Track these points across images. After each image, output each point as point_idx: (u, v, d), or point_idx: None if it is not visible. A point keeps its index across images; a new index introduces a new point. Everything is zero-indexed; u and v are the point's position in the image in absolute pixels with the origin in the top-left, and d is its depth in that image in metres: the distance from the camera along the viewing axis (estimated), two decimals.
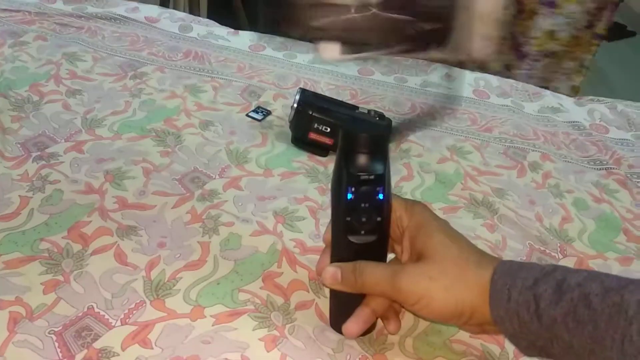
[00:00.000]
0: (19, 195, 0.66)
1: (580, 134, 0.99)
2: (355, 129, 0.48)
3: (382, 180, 0.47)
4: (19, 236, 0.60)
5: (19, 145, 0.74)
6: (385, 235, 0.49)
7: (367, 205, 0.46)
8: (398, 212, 0.50)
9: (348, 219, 0.46)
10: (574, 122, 1.02)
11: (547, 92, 1.11)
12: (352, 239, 0.47)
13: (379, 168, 0.47)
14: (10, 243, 0.59)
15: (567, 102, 1.09)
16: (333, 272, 0.48)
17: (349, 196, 0.46)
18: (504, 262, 0.46)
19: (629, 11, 3.17)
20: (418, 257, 0.47)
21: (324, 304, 0.59)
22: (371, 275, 0.46)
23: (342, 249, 0.49)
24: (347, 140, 0.48)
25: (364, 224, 0.46)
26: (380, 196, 0.46)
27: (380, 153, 0.48)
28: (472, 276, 0.44)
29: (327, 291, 0.60)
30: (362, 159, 0.46)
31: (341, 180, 0.47)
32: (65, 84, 0.89)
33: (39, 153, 0.73)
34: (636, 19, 3.23)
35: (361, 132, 0.47)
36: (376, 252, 0.49)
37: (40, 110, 0.82)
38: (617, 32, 3.01)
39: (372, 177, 0.46)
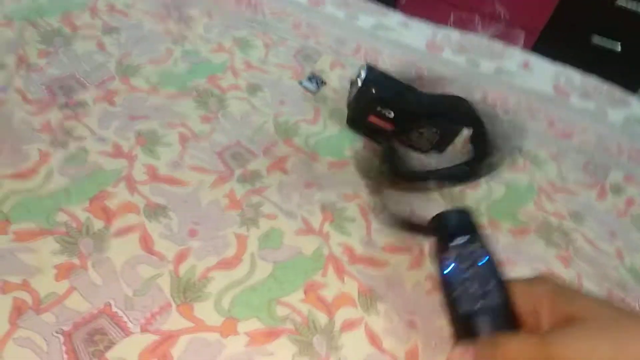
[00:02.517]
0: (39, 149, 0.57)
1: None
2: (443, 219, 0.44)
3: (477, 238, 0.39)
4: (35, 202, 0.52)
5: (44, 87, 0.65)
6: (506, 300, 0.40)
7: (469, 269, 0.38)
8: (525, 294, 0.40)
9: (455, 293, 0.38)
10: None
11: (634, 99, 0.98)
12: (469, 313, 0.39)
13: (469, 231, 0.42)
14: (22, 209, 0.51)
15: None
16: (462, 352, 0.41)
17: (448, 269, 0.39)
18: None
19: None
20: (565, 321, 0.38)
21: (375, 323, 0.51)
22: (513, 345, 0.37)
23: (462, 329, 0.40)
24: (436, 229, 0.44)
25: (473, 294, 0.38)
26: (482, 260, 0.38)
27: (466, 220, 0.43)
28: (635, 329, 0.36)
29: (379, 308, 0.52)
30: (450, 229, 0.42)
31: (436, 256, 0.42)
32: (101, 17, 0.79)
33: (65, 100, 0.64)
34: None
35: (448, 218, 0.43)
36: (502, 320, 0.40)
37: (71, 47, 0.72)
38: None
39: (464, 240, 0.38)
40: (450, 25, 1.16)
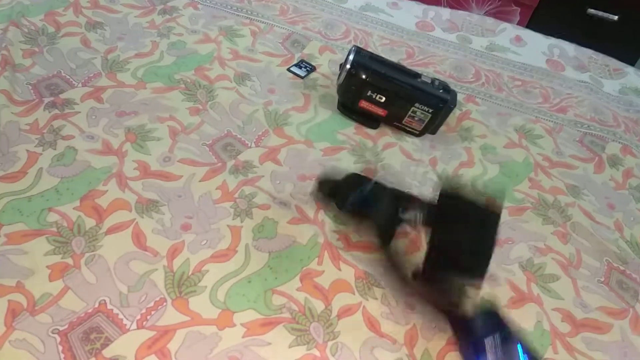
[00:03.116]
0: (27, 150, 0.57)
1: None
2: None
3: (508, 334, 0.40)
4: (25, 203, 0.52)
5: (30, 87, 0.64)
6: None
7: None
8: None
9: None
10: None
11: (630, 68, 0.97)
12: None
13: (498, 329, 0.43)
14: (14, 211, 0.51)
15: None
16: None
17: None
18: None
19: None
20: None
21: (373, 308, 0.51)
22: None
23: None
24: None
25: None
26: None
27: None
28: None
29: (376, 292, 0.52)
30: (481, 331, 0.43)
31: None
32: (85, 14, 0.78)
33: (52, 99, 0.63)
34: None
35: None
36: None
37: (55, 45, 0.71)
38: None
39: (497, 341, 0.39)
40: (444, 5, 1.14)
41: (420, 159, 0.68)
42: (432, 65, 0.86)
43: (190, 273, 0.50)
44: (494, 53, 0.92)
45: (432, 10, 1.00)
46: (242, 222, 0.56)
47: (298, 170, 0.62)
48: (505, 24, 1.01)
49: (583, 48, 0.98)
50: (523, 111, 0.81)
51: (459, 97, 0.80)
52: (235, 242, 0.54)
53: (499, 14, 1.35)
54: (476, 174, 0.69)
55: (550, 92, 0.87)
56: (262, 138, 0.66)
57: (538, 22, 1.34)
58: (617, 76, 0.94)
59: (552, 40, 0.99)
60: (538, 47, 0.96)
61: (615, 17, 1.39)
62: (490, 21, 1.01)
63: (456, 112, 0.77)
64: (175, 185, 0.57)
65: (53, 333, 0.43)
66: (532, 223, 0.64)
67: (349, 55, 0.69)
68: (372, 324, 0.50)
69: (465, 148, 0.72)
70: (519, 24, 1.21)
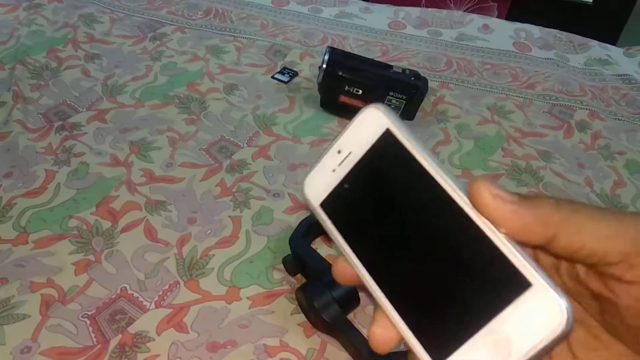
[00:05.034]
0: (45, 169, 0.64)
1: (632, 88, 0.91)
2: None
3: None
4: (48, 213, 0.58)
5: (40, 116, 0.72)
6: None
7: None
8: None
9: None
10: (623, 75, 0.94)
11: (594, 42, 1.03)
12: None
13: None
14: (38, 220, 0.57)
15: (616, 53, 1.01)
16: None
17: None
18: None
19: None
20: None
21: None
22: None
23: None
24: None
25: None
26: None
27: None
28: None
29: None
30: None
31: None
32: (83, 48, 0.85)
33: (61, 123, 0.70)
34: None
35: None
36: None
37: (59, 77, 0.79)
38: None
39: None
40: (423, 6, 1.21)
41: None
42: (405, 59, 0.93)
43: (198, 257, 0.56)
44: (463, 42, 0.99)
45: (403, 11, 1.07)
46: (241, 212, 0.62)
47: (288, 162, 0.69)
48: (472, 15, 1.08)
49: (547, 29, 1.05)
50: (494, 91, 0.87)
51: (433, 84, 0.86)
52: (236, 230, 0.60)
53: (477, 12, 1.42)
54: (453, 150, 0.75)
55: (519, 71, 0.93)
56: (253, 138, 0.72)
57: (515, 15, 1.41)
58: (581, 50, 1.00)
59: (518, 25, 1.05)
60: (505, 32, 1.03)
61: (590, 0, 1.45)
62: (457, 14, 1.08)
63: (431, 98, 0.84)
64: (179, 186, 0.64)
65: (83, 317, 0.49)
66: (507, 187, 0.69)
67: (324, 55, 0.75)
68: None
69: (441, 129, 0.78)
70: (499, 16, 1.27)
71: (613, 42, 1.08)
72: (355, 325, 0.48)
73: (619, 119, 0.84)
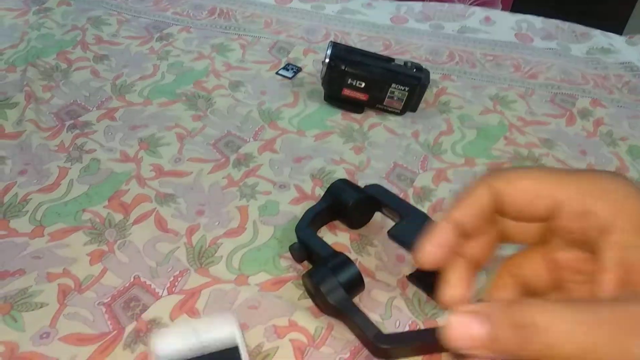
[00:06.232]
0: (58, 166, 0.66)
1: (634, 75, 0.92)
2: None
3: None
4: (62, 207, 0.60)
5: (52, 115, 0.74)
6: None
7: None
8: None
9: None
10: (626, 63, 0.95)
11: (597, 31, 1.04)
12: None
13: None
14: (53, 214, 0.59)
15: (618, 41, 1.01)
16: (469, 317, 0.20)
17: None
18: None
19: None
20: None
21: (368, 262, 0.57)
22: (560, 324, 0.18)
23: None
24: None
25: None
26: None
27: None
28: None
29: (370, 250, 0.59)
30: None
31: None
32: (92, 49, 0.87)
33: (72, 122, 0.72)
34: None
35: None
36: None
37: (69, 79, 0.81)
38: None
39: None
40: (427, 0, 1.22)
41: (403, 133, 0.76)
42: (408, 53, 0.94)
43: (207, 246, 0.57)
44: (465, 35, 1.00)
45: (405, 6, 1.08)
46: (248, 202, 0.63)
47: (293, 155, 0.70)
48: (474, 8, 1.08)
49: (549, 19, 1.06)
50: (496, 82, 0.88)
51: (436, 76, 0.87)
52: (244, 221, 0.61)
53: (483, 5, 1.43)
54: (456, 139, 0.76)
55: (521, 62, 0.94)
56: (259, 133, 0.74)
57: (520, 7, 1.41)
58: (583, 40, 1.01)
59: (520, 17, 1.06)
60: (507, 24, 1.04)
61: None
62: (460, 7, 1.08)
63: (433, 90, 0.85)
64: (187, 180, 0.66)
65: (99, 305, 0.51)
66: None
67: (327, 50, 0.77)
68: (367, 273, 0.56)
69: (444, 119, 0.79)
70: (504, 8, 1.28)
71: (619, 32, 1.08)
72: (360, 308, 0.49)
73: (621, 106, 0.85)
